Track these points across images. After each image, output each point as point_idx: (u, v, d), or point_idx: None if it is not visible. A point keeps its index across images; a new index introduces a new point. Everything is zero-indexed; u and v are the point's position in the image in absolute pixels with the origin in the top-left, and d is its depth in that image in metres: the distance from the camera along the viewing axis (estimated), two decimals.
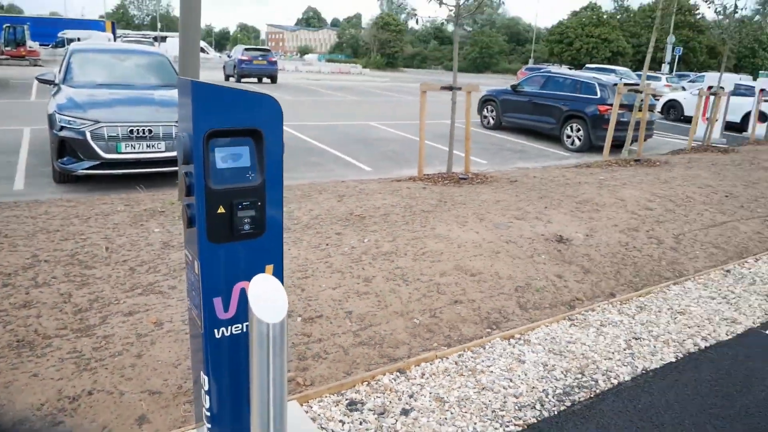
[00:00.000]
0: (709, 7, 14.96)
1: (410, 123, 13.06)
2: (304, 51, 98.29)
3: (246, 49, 24.98)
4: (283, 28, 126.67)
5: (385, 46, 66.39)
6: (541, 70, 16.43)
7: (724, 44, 13.20)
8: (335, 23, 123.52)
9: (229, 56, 26.10)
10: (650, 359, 3.20)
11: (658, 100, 24.13)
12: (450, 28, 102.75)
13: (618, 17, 62.66)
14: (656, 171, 8.23)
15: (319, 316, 3.32)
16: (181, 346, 2.90)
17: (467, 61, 73.41)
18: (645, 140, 12.78)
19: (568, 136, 12.11)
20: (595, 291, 4.08)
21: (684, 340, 3.44)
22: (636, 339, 3.43)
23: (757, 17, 13.26)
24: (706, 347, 3.37)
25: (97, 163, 5.92)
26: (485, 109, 15.07)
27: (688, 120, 16.00)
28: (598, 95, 11.73)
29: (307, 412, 2.57)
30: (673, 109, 21.33)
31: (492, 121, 14.72)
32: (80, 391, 2.54)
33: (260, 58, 24.46)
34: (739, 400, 2.83)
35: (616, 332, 3.50)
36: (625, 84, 10.28)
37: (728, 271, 4.67)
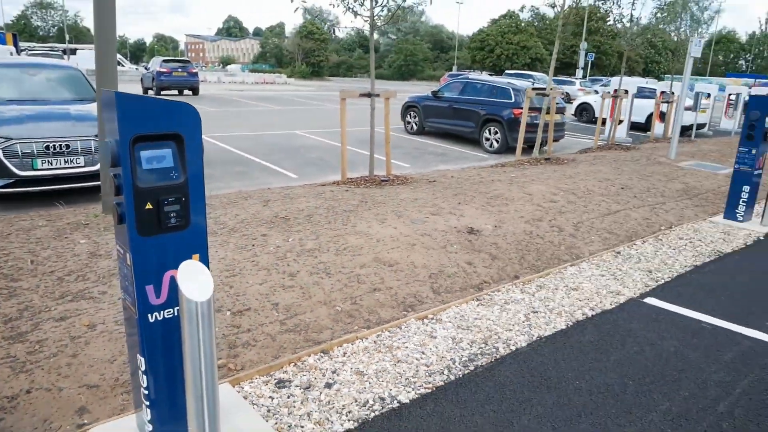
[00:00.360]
0: (608, 18, 16.13)
1: (334, 130, 13.37)
2: (226, 61, 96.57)
3: (164, 61, 24.45)
4: (203, 38, 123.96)
5: (310, 56, 66.45)
6: (460, 77, 17.16)
7: (624, 51, 14.27)
8: (258, 33, 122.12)
9: (146, 68, 25.39)
10: (545, 328, 3.65)
11: (571, 103, 25.61)
12: (374, 36, 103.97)
13: (535, 25, 65.59)
14: (563, 168, 8.93)
15: (247, 309, 3.56)
16: (116, 344, 3.07)
17: (392, 69, 74.61)
18: (557, 141, 13.69)
19: (487, 139, 12.78)
20: (501, 274, 4.53)
21: (574, 311, 3.92)
22: (534, 312, 3.88)
23: (651, 23, 14.44)
24: (592, 315, 3.87)
25: (12, 181, 5.85)
26: (408, 115, 15.57)
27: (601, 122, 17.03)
28: (513, 99, 12.42)
29: (239, 392, 2.82)
30: (585, 112, 22.63)
31: (415, 127, 15.24)
32: (18, 391, 2.67)
33: (180, 70, 24.03)
34: (614, 354, 3.31)
35: (517, 308, 3.94)
36: (534, 88, 11.00)
37: (618, 252, 5.25)
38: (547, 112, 12.59)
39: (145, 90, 24.14)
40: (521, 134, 10.17)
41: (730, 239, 5.86)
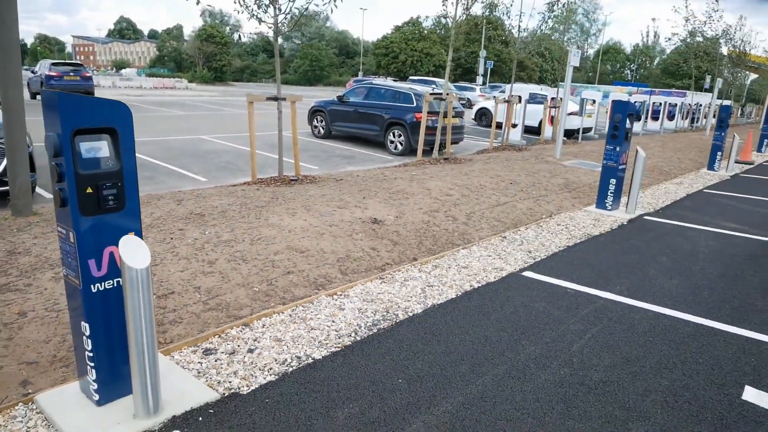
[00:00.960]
0: (496, 29, 17.39)
1: (242, 135, 13.55)
2: (120, 65, 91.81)
3: (54, 64, 23.26)
4: (92, 39, 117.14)
5: (212, 60, 64.82)
6: (363, 82, 17.76)
7: (516, 57, 15.42)
8: (153, 35, 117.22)
9: (33, 72, 23.90)
10: (438, 297, 4.24)
11: (471, 108, 27.03)
12: (279, 41, 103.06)
13: (437, 32, 67.95)
14: (460, 167, 9.74)
15: (171, 293, 3.88)
16: (49, 327, 3.30)
17: (298, 74, 74.44)
18: (457, 143, 14.62)
19: (391, 141, 13.45)
20: (402, 257, 5.09)
21: (464, 284, 4.55)
22: (429, 286, 4.46)
23: (537, 34, 15.73)
24: (478, 287, 4.51)
25: None
26: (315, 120, 15.96)
27: (498, 125, 18.23)
28: (415, 104, 13.14)
29: (170, 360, 3.16)
30: (484, 116, 23.93)
31: (322, 131, 15.67)
32: None
33: (72, 74, 22.98)
34: (494, 315, 3.95)
35: (415, 284, 4.51)
36: (432, 93, 11.78)
37: (505, 237, 5.99)
38: (445, 116, 13.51)
39: (33, 95, 22.80)
40: (421, 137, 10.90)
41: (599, 224, 6.79)
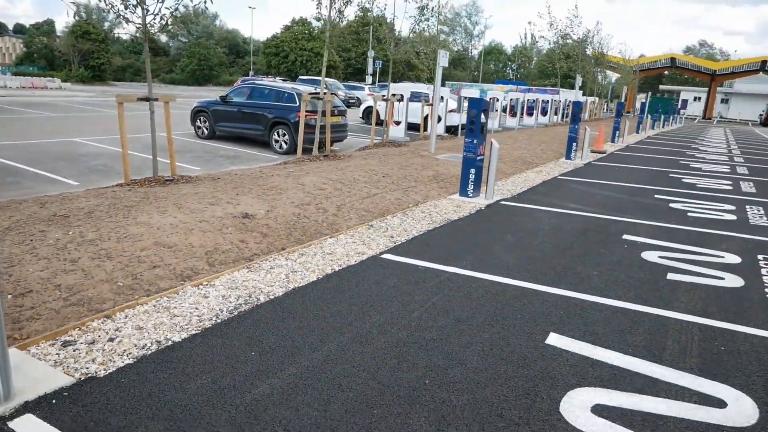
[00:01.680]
0: (375, 31, 17.99)
1: (118, 137, 13.11)
2: None
3: None
4: None
5: (89, 58, 60.77)
6: (246, 82, 17.71)
7: (392, 58, 16.05)
8: (20, 30, 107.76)
9: None
10: (300, 281, 4.58)
11: (358, 106, 27.57)
12: (163, 39, 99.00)
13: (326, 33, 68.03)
14: (338, 163, 10.14)
15: (29, 291, 3.92)
16: None
17: (186, 74, 71.76)
18: (340, 140, 15.02)
19: (276, 141, 13.61)
20: (270, 248, 5.38)
21: (326, 268, 4.92)
22: (293, 272, 4.79)
23: (411, 35, 16.48)
24: (339, 270, 4.90)
25: None
26: (198, 120, 15.75)
27: (382, 123, 18.78)
28: (298, 104, 13.34)
29: (26, 353, 3.25)
30: (371, 115, 24.51)
31: (206, 131, 15.50)
32: None
33: None
34: (348, 292, 4.35)
35: (280, 271, 4.81)
36: (310, 93, 12.09)
37: (371, 225, 6.44)
38: (324, 115, 13.88)
39: None
40: (300, 135, 11.19)
41: (460, 210, 7.44)
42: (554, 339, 3.65)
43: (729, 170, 13.95)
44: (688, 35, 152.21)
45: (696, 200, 9.10)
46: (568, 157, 13.51)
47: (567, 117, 33.52)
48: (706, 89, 60.80)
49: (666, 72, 70.74)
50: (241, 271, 4.76)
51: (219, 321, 3.78)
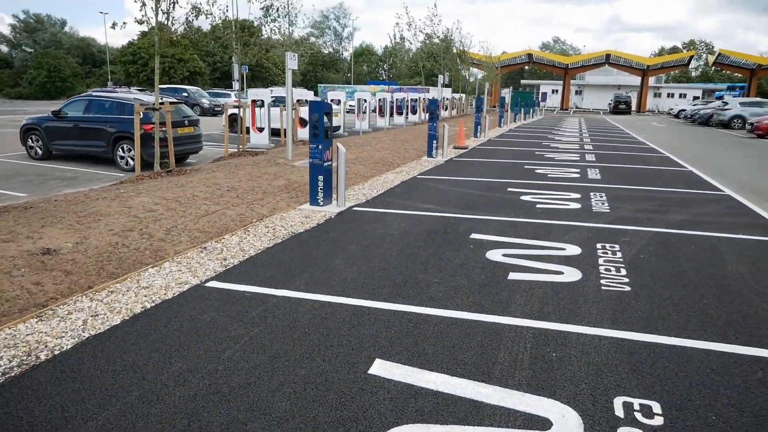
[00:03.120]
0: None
1: None
2: None
3: None
4: None
5: None
6: (82, 94, 16.15)
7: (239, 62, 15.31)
8: None
9: None
10: (99, 327, 3.88)
11: (219, 114, 26.26)
12: (3, 49, 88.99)
13: (190, 38, 65.12)
14: (180, 179, 9.31)
15: None
16: None
17: (35, 87, 65.55)
18: (195, 152, 14.08)
19: (122, 157, 12.42)
20: (73, 288, 4.59)
21: (135, 307, 4.24)
22: (94, 316, 4.07)
23: (262, 38, 15.83)
24: (150, 307, 4.24)
25: None
26: (29, 139, 14.16)
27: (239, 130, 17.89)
28: (142, 115, 12.27)
29: None
30: (236, 122, 23.48)
31: (40, 151, 13.96)
32: None
33: None
34: (153, 335, 3.73)
35: (79, 316, 4.07)
36: (141, 104, 11.13)
37: (205, 248, 5.80)
38: (184, 126, 12.94)
39: None
40: (137, 150, 10.23)
41: (309, 221, 6.99)
42: (378, 367, 3.29)
43: (578, 158, 14.75)
44: (544, 32, 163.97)
45: (545, 191, 9.35)
46: (429, 155, 13.57)
47: None
48: (562, 82, 65.51)
49: (526, 67, 75.37)
50: (28, 323, 3.97)
51: None
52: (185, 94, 35.23)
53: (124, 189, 8.20)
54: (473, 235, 6.29)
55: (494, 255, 5.54)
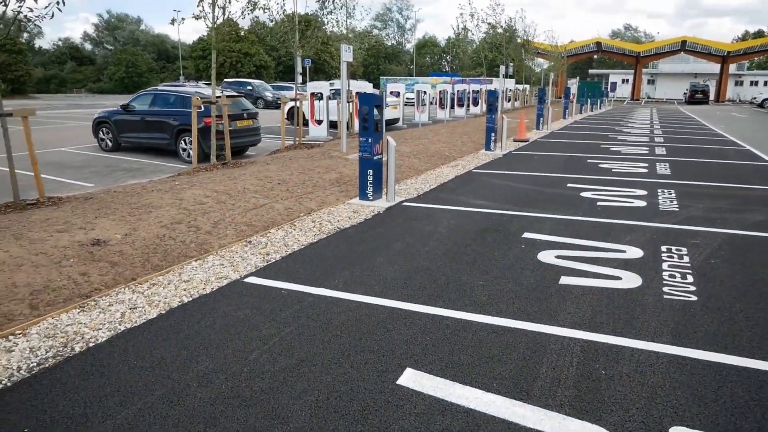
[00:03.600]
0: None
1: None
2: None
3: None
4: None
5: (5, 71, 57.29)
6: (149, 89, 16.67)
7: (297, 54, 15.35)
8: None
9: None
10: (136, 320, 3.87)
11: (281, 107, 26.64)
12: (88, 46, 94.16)
13: (256, 33, 66.52)
14: (233, 171, 9.38)
15: None
16: None
17: (114, 82, 69.11)
18: (254, 145, 14.27)
19: (184, 149, 12.74)
20: (117, 279, 4.64)
21: (173, 301, 4.22)
22: (133, 309, 4.08)
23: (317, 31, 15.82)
24: (188, 301, 4.21)
25: None
26: (100, 132, 14.78)
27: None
28: (201, 108, 12.50)
29: None
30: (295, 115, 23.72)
31: (110, 144, 14.54)
32: None
33: None
34: (185, 331, 3.68)
35: (119, 308, 4.09)
36: (200, 97, 11.30)
37: (250, 242, 5.76)
38: (243, 119, 13.13)
39: None
40: (195, 143, 10.39)
41: (356, 216, 6.85)
42: (409, 377, 3.09)
43: (647, 151, 13.93)
44: (614, 20, 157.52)
45: (608, 187, 8.83)
46: (487, 148, 13.16)
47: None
48: (633, 71, 62.65)
49: (595, 56, 72.58)
50: (70, 313, 4.02)
51: (8, 385, 3.05)
52: (249, 87, 36.01)
53: (179, 181, 8.34)
54: (526, 234, 5.96)
55: (546, 256, 5.21)
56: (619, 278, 4.64)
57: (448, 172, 10.18)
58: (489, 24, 28.89)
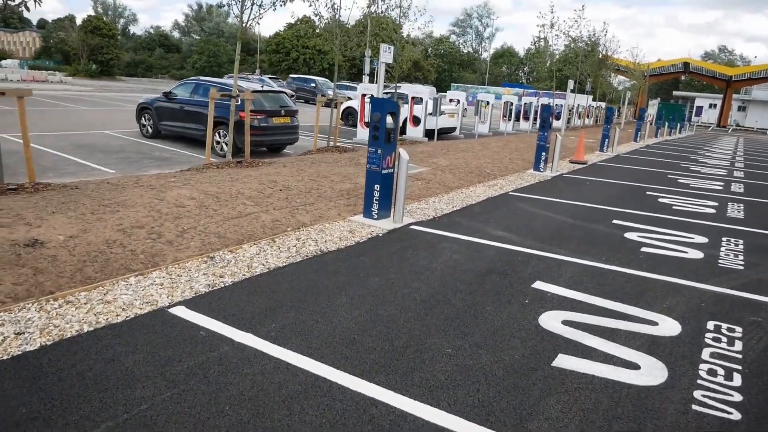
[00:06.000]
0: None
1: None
2: (1, 56, 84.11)
3: None
4: None
5: (97, 53, 60.20)
6: (191, 77, 16.41)
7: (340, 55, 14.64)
8: (42, 25, 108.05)
9: None
10: (12, 351, 3.14)
11: (337, 106, 26.13)
12: (176, 35, 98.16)
13: (332, 30, 66.84)
14: (243, 171, 8.68)
15: None
16: None
17: (196, 70, 71.51)
18: (291, 143, 13.67)
19: (217, 142, 12.30)
20: (31, 292, 3.96)
21: (70, 330, 3.47)
22: (17, 335, 3.36)
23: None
24: (89, 331, 3.45)
25: None
26: (143, 118, 14.69)
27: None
28: (239, 102, 12.01)
29: None
30: (351, 116, 23.22)
31: (150, 130, 14.42)
32: None
33: None
34: (52, 375, 2.90)
35: (3, 331, 3.38)
36: (219, 90, 10.77)
37: (212, 257, 4.98)
38: (281, 116, 12.58)
39: None
40: (209, 138, 9.77)
41: (350, 237, 5.96)
42: None
43: (721, 187, 12.28)
44: (709, 42, 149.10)
45: (662, 228, 7.52)
46: (536, 168, 11.94)
47: (569, 122, 31.81)
48: (723, 96, 58.48)
49: (682, 77, 68.42)
50: None
51: None
52: (313, 84, 35.87)
53: (177, 177, 7.71)
54: (537, 284, 4.87)
55: (551, 320, 4.12)
56: (637, 366, 3.51)
57: (480, 193, 9.10)
58: (571, 37, 27.19)
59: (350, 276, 4.75)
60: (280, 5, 9.62)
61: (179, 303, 3.97)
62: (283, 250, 5.35)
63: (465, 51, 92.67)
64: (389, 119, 6.47)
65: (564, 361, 3.46)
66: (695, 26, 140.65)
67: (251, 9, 9.36)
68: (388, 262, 5.18)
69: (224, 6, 9.50)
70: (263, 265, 4.90)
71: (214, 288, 4.30)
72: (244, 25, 9.36)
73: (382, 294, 4.38)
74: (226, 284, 4.40)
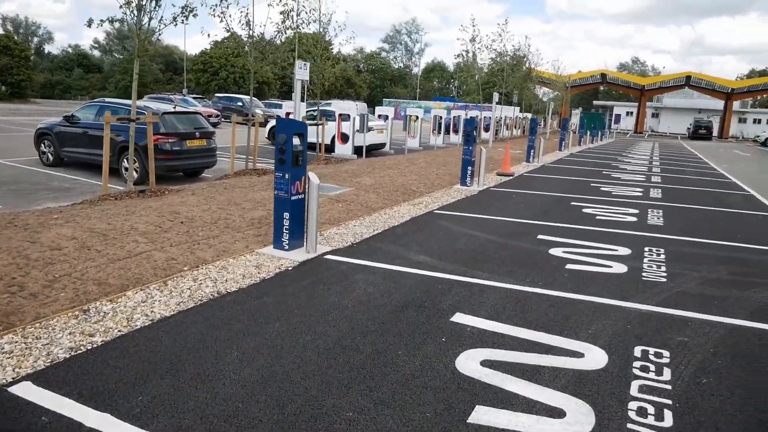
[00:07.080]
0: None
1: None
2: None
3: None
4: None
5: (6, 74, 56.48)
6: (95, 100, 15.40)
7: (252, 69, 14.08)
8: None
9: None
10: None
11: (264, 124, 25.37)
12: (97, 54, 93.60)
13: (261, 49, 65.83)
14: (143, 203, 7.92)
15: None
16: None
17: (119, 90, 68.53)
18: (208, 167, 12.92)
19: (126, 169, 11.39)
20: None
21: None
22: None
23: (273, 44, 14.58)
24: None
25: None
26: (42, 144, 13.60)
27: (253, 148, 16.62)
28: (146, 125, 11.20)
29: None
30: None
31: (51, 157, 13.36)
32: None
33: None
34: None
35: None
36: (115, 113, 10.05)
37: (86, 311, 4.28)
38: (195, 138, 11.85)
39: None
40: (104, 162, 8.93)
41: (256, 273, 5.38)
42: None
43: (641, 193, 12.46)
44: (622, 54, 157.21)
45: (586, 241, 7.34)
46: (462, 183, 11.70)
47: (497, 134, 32.28)
48: (637, 104, 61.54)
49: (601, 87, 71.56)
50: None
51: None
52: (240, 103, 34.91)
53: (61, 213, 6.88)
54: (457, 317, 4.45)
55: (470, 361, 3.69)
56: (562, 414, 3.11)
57: (404, 213, 8.70)
58: (496, 51, 27.60)
59: (247, 323, 4.17)
60: (182, 21, 8.93)
61: (25, 378, 3.27)
62: (174, 295, 4.70)
63: (396, 66, 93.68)
64: (296, 140, 5.96)
65: (481, 415, 3.02)
66: (610, 39, 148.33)
67: (149, 24, 8.64)
68: (294, 303, 4.63)
69: (115, 21, 8.73)
70: (146, 316, 4.25)
71: (78, 352, 3.62)
72: (140, 41, 8.62)
73: (280, 344, 3.83)
74: (95, 345, 3.73)
